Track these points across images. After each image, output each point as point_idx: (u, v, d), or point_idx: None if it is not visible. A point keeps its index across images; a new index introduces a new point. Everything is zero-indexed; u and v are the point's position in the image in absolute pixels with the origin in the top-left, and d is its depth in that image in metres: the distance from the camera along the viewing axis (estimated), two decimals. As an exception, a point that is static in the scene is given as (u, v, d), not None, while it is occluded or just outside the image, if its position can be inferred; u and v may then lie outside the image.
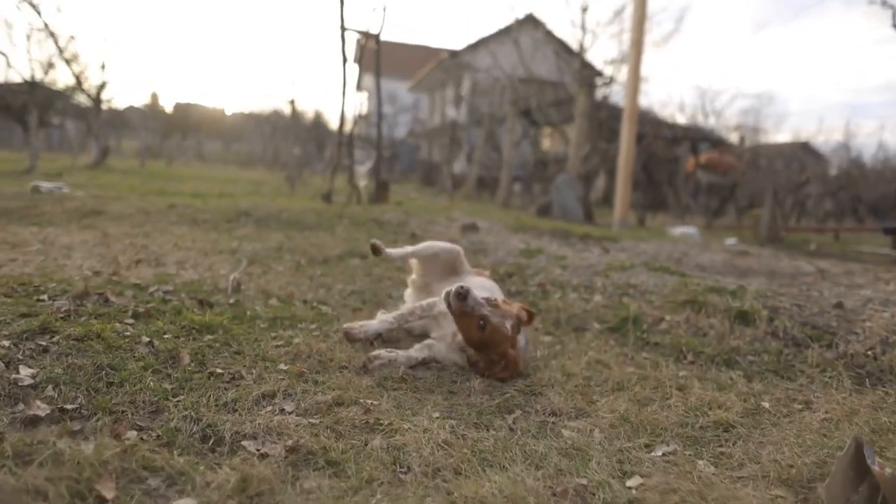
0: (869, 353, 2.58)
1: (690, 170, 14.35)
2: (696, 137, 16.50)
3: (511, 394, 2.12)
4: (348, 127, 8.49)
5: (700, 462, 1.70)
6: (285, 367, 2.15)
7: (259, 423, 1.67)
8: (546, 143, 19.99)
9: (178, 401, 1.76)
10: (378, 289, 3.47)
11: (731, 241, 7.37)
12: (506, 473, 1.54)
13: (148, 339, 2.15)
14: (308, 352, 2.31)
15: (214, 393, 1.85)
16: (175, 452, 1.47)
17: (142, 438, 1.53)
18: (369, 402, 1.92)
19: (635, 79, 9.44)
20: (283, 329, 2.59)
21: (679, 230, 8.26)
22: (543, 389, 2.18)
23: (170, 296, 2.78)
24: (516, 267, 3.88)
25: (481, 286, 2.80)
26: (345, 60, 7.99)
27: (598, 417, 1.96)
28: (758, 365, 2.55)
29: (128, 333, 2.18)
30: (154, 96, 34.73)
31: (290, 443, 1.58)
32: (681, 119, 19.09)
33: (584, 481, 1.52)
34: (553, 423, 1.92)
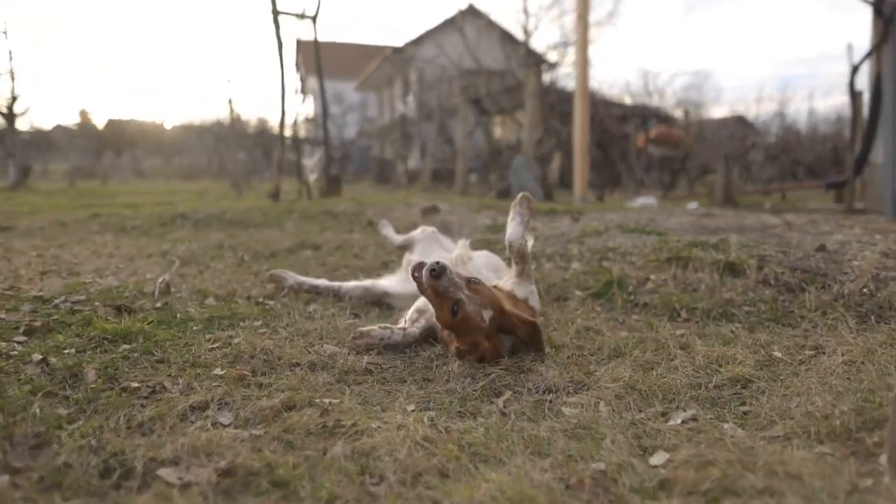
0: (864, 290, 2.41)
1: (641, 146, 14.51)
2: (643, 114, 16.73)
3: (497, 373, 1.81)
4: (291, 123, 8.00)
5: (726, 425, 1.44)
6: (221, 372, 1.77)
7: (183, 444, 1.29)
8: (498, 132, 19.89)
9: (75, 428, 1.36)
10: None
11: (692, 205, 7.34)
12: (504, 468, 1.23)
13: (41, 357, 1.72)
14: (251, 351, 1.94)
15: (126, 413, 1.45)
16: (59, 497, 1.08)
17: (14, 484, 1.13)
18: (327, 401, 1.57)
19: (584, 55, 9.35)
20: (222, 329, 2.19)
21: (639, 201, 8.21)
22: (533, 365, 1.89)
23: (80, 306, 2.32)
24: (485, 242, 3.58)
25: (487, 264, 2.49)
26: (281, 46, 7.47)
27: (601, 389, 1.67)
28: (756, 315, 2.34)
29: (14, 353, 1.75)
30: (84, 113, 32.61)
31: (222, 464, 1.22)
32: (627, 99, 19.37)
33: (602, 465, 1.23)
34: (551, 401, 1.62)
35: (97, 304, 2.36)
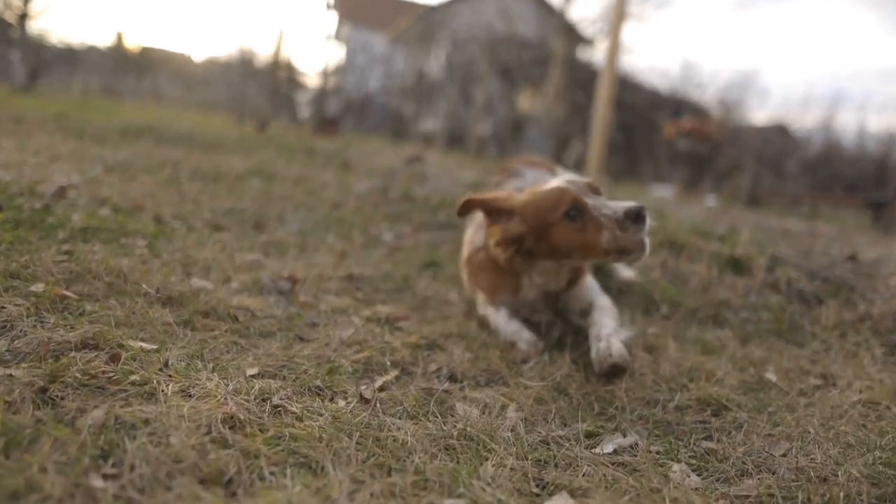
0: (898, 315, 1.91)
1: (670, 136, 13.72)
2: (678, 105, 15.80)
3: (395, 345, 1.37)
4: (322, 70, 7.41)
5: (675, 467, 0.99)
6: (39, 289, 1.34)
7: None
8: (526, 104, 19.08)
9: None
10: (266, 210, 2.66)
11: (710, 200, 6.74)
12: (294, 486, 0.79)
13: None
14: (99, 271, 1.51)
15: None
16: None
17: None
18: (138, 345, 1.15)
19: (617, 29, 8.60)
20: (90, 243, 1.77)
21: (655, 190, 7.61)
22: (447, 342, 1.44)
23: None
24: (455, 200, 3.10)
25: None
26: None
27: (520, 386, 1.23)
28: (754, 323, 1.87)
29: None
30: (119, 36, 32.07)
31: None
32: (664, 87, 18.39)
33: (457, 506, 0.79)
34: (446, 391, 1.18)
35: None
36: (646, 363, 1.41)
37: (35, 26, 14.76)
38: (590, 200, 1.38)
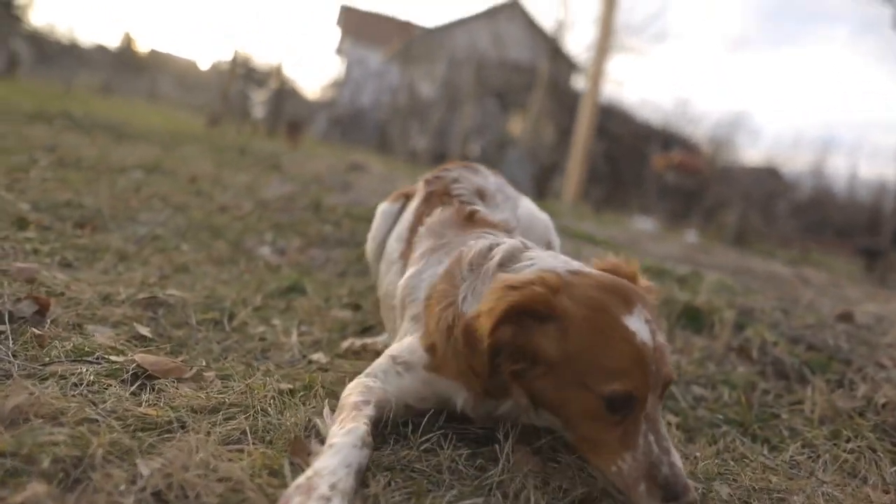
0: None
1: (659, 168, 13.42)
2: (668, 139, 15.57)
3: (102, 426, 0.81)
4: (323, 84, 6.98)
5: None
6: None
7: None
8: (517, 128, 18.90)
9: None
10: (115, 208, 2.11)
11: (690, 235, 6.25)
12: None
13: None
14: None
15: None
16: None
17: None
18: None
19: (601, 56, 8.35)
20: None
21: (636, 222, 7.13)
22: (202, 421, 0.89)
23: None
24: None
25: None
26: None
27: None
28: (708, 406, 1.33)
29: None
30: (128, 38, 31.77)
31: None
32: (655, 121, 18.24)
33: None
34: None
35: None
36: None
37: (35, 18, 14.37)
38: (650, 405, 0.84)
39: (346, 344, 1.37)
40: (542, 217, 1.45)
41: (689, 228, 7.27)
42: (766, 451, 1.17)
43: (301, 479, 0.75)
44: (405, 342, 1.03)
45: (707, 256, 4.11)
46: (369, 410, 0.90)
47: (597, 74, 8.43)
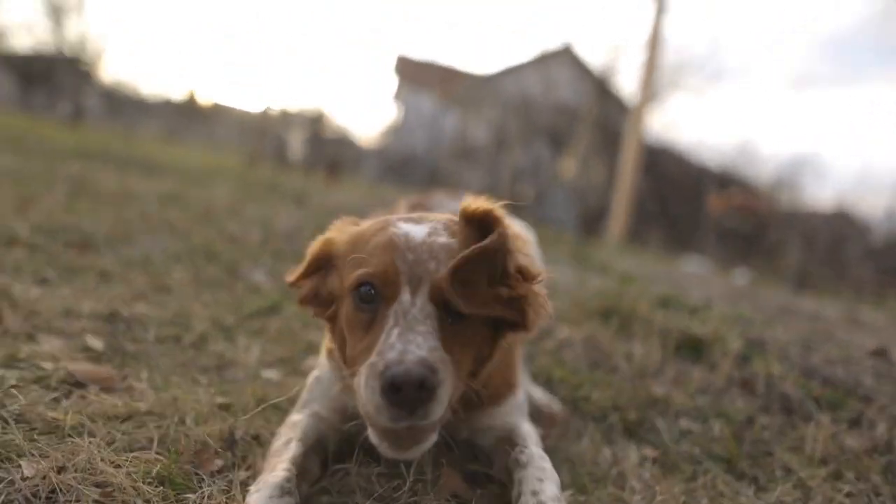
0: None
1: (717, 209, 12.85)
2: (726, 180, 14.96)
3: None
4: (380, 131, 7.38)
5: None
6: None
7: None
8: (569, 170, 18.92)
9: None
10: (117, 231, 2.21)
11: (740, 275, 5.83)
12: None
13: None
14: None
15: None
16: None
17: None
18: None
19: (646, 93, 8.28)
20: None
21: (687, 263, 6.76)
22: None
23: None
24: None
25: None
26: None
27: None
28: (694, 440, 1.17)
29: None
30: (191, 94, 34.84)
31: None
32: (712, 161, 17.67)
33: None
34: None
35: None
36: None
37: (106, 73, 16.14)
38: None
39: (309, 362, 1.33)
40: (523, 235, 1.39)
41: (738, 269, 6.80)
42: (750, 491, 1.01)
43: None
44: (319, 359, 0.99)
45: (750, 296, 3.80)
46: (291, 451, 0.84)
47: (640, 113, 8.34)
